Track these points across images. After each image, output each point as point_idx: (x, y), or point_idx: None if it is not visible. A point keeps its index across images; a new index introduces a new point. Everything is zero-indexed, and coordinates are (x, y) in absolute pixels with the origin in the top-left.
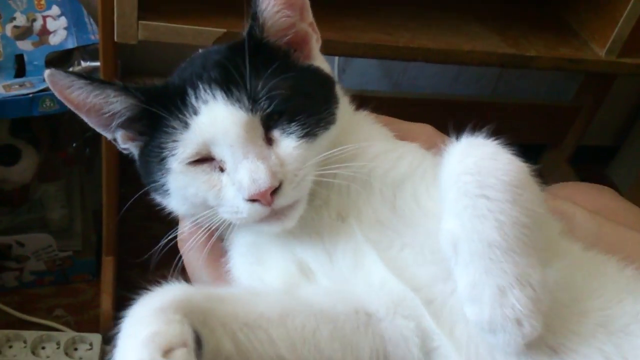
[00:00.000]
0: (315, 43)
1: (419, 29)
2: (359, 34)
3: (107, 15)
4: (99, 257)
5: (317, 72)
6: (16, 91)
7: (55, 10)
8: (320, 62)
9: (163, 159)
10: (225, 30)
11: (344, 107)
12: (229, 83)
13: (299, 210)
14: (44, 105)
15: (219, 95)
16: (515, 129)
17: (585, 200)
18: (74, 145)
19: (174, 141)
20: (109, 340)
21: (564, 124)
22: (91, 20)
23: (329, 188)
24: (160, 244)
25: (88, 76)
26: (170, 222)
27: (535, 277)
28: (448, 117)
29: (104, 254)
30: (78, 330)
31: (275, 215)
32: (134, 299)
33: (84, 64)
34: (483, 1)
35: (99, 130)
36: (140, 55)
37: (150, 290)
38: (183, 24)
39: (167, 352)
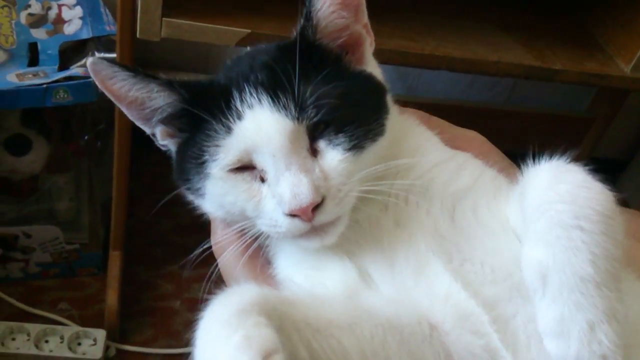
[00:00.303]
0: (369, 47)
1: (445, 37)
2: (384, 39)
3: (126, 8)
4: (105, 251)
5: (368, 79)
6: (30, 80)
7: None
8: (373, 67)
9: (203, 162)
10: (249, 30)
11: (394, 116)
12: (277, 88)
13: (340, 227)
14: (58, 97)
15: (265, 100)
16: (528, 138)
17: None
18: (86, 137)
19: (216, 146)
20: (113, 336)
21: (577, 135)
22: (107, 10)
23: (373, 205)
24: (194, 254)
25: (132, 68)
26: (178, 218)
27: (622, 312)
28: (461, 123)
29: (111, 249)
30: (82, 325)
31: (315, 231)
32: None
33: (98, 54)
34: (509, 12)
35: (138, 123)
36: (154, 48)
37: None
38: (207, 23)
39: (265, 357)
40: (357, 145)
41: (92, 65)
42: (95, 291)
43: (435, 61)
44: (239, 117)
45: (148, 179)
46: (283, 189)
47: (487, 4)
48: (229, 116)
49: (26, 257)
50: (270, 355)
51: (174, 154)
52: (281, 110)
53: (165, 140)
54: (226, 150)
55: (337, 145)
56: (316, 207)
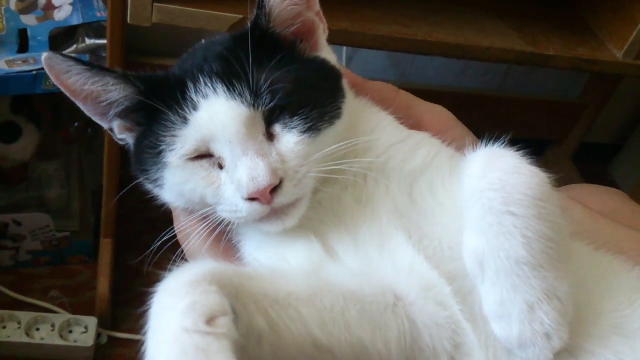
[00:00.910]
0: (323, 33)
1: (438, 23)
2: (378, 25)
3: None
4: (96, 239)
5: (323, 64)
6: (19, 67)
7: None
8: (327, 53)
9: (160, 152)
10: (241, 16)
11: (351, 101)
12: (231, 76)
13: (301, 209)
14: (48, 83)
15: (220, 89)
16: (521, 124)
17: (594, 202)
18: (76, 125)
19: (173, 136)
20: (104, 324)
21: (569, 121)
22: None
23: (334, 185)
24: (153, 247)
25: (87, 62)
26: (167, 206)
27: (562, 290)
28: (454, 109)
29: (102, 236)
30: (73, 313)
31: (276, 214)
32: (130, 283)
33: (88, 41)
34: None
35: (95, 119)
36: (145, 34)
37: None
38: (198, 9)
39: (210, 320)
40: (312, 127)
41: (46, 60)
42: (86, 279)
43: (428, 47)
44: (195, 107)
45: None
46: (241, 174)
47: None
48: (185, 107)
49: (16, 245)
50: (215, 317)
51: (132, 147)
52: (237, 98)
53: (123, 135)
54: (183, 140)
55: (293, 128)
56: (275, 190)
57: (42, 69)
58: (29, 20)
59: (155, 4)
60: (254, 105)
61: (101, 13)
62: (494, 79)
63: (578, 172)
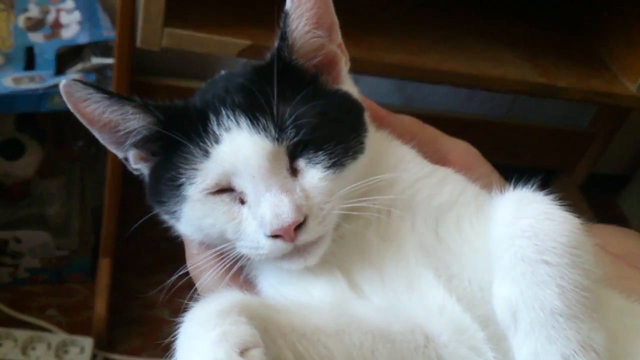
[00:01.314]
0: (344, 66)
1: (448, 52)
2: (388, 54)
3: (125, 15)
4: (95, 258)
5: (345, 98)
6: (26, 85)
7: (69, 3)
8: (349, 86)
9: (179, 185)
10: (250, 42)
11: (372, 134)
12: (255, 109)
13: (324, 246)
14: (53, 102)
15: (244, 122)
16: (528, 152)
17: (612, 244)
18: (80, 143)
19: (194, 169)
20: (100, 345)
21: (577, 150)
22: (105, 16)
23: (357, 221)
24: (169, 281)
25: (106, 90)
26: (167, 227)
27: (598, 341)
28: (460, 135)
29: (100, 256)
30: (70, 332)
31: (298, 251)
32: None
33: (95, 60)
34: (514, 28)
35: (110, 148)
36: (151, 54)
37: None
38: (208, 34)
39: (242, 352)
40: (337, 162)
41: (65, 87)
42: (83, 298)
43: (437, 76)
44: (217, 141)
45: (139, 186)
46: (264, 210)
47: (492, 20)
48: (206, 140)
49: (15, 262)
50: (248, 349)
51: (146, 177)
52: (260, 132)
53: (138, 164)
54: (204, 174)
55: (317, 163)
56: (298, 227)
57: (49, 87)
58: (36, 37)
59: (165, 28)
60: (278, 140)
61: (108, 32)
62: (501, 105)
63: (586, 202)
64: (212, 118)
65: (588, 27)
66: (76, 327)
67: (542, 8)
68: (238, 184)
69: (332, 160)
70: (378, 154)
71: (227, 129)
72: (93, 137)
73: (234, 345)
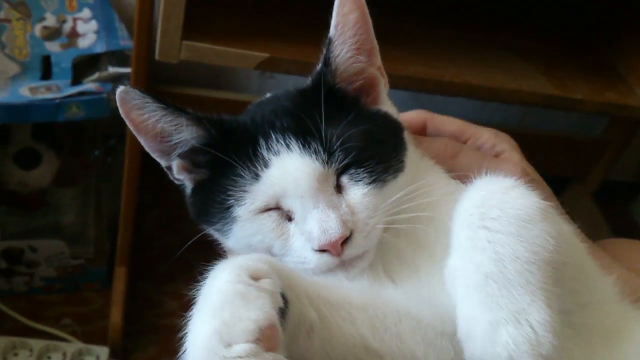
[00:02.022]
0: (384, 87)
1: (464, 65)
2: (404, 66)
3: (143, 26)
4: (110, 266)
5: (386, 118)
6: (42, 95)
7: (86, 12)
8: (388, 106)
9: (229, 207)
10: (268, 55)
11: (412, 154)
12: (304, 133)
13: (367, 260)
14: (70, 112)
15: (294, 145)
16: (541, 160)
17: (625, 256)
18: (96, 153)
19: (243, 191)
20: (116, 354)
21: (590, 159)
22: (122, 25)
23: (397, 235)
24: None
25: (162, 100)
26: (183, 234)
27: (536, 317)
28: None
29: (116, 265)
30: (85, 341)
31: (343, 265)
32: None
33: (111, 69)
34: (530, 40)
35: (154, 155)
36: (165, 64)
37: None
38: (226, 47)
39: (254, 278)
40: (378, 179)
41: (121, 93)
42: (99, 307)
43: (454, 88)
44: (266, 165)
45: (155, 194)
46: (312, 226)
47: (507, 33)
48: (256, 164)
49: (31, 271)
50: (260, 278)
51: (189, 191)
52: (312, 155)
53: (181, 175)
54: (253, 196)
55: (359, 180)
56: (345, 242)
57: (65, 97)
58: (52, 47)
59: (184, 41)
60: (327, 163)
61: (125, 41)
62: (514, 114)
63: (599, 210)
64: (262, 142)
65: (603, 39)
66: (92, 336)
67: (557, 21)
68: (286, 204)
69: (373, 177)
70: (418, 174)
71: (276, 153)
72: (109, 146)
73: (245, 270)
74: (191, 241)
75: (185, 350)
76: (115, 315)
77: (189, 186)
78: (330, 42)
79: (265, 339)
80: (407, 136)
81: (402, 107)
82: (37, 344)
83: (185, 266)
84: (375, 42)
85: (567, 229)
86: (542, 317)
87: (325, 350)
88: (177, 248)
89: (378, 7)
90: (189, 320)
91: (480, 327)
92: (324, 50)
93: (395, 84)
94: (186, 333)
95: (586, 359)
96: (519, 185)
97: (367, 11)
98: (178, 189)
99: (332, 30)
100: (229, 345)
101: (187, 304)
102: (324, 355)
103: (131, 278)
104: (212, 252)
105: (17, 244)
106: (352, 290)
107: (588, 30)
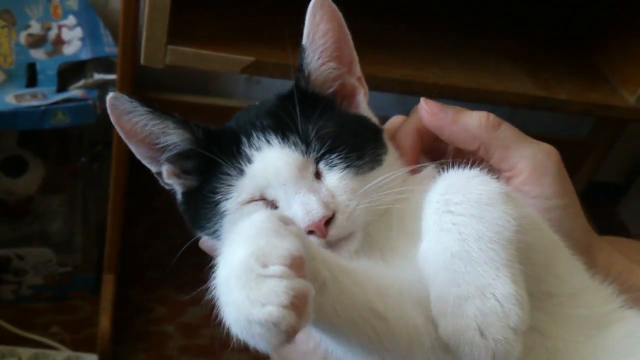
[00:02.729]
0: (363, 97)
1: (450, 67)
2: (388, 68)
3: (127, 32)
4: (98, 274)
5: (362, 118)
6: (28, 102)
7: (71, 20)
8: (368, 114)
9: (217, 203)
10: (254, 58)
11: (392, 157)
12: (283, 128)
13: (355, 242)
14: (56, 119)
15: (274, 140)
16: None
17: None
18: (83, 159)
19: (229, 185)
20: None
21: (576, 160)
22: (107, 32)
23: (388, 216)
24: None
25: (149, 104)
26: (171, 241)
27: (501, 291)
28: None
29: (104, 272)
30: (74, 349)
31: (330, 247)
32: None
33: (97, 76)
34: (514, 42)
35: (144, 161)
36: (154, 70)
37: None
38: (211, 51)
39: (285, 222)
40: (352, 165)
41: (112, 99)
42: (87, 315)
43: (439, 90)
44: (249, 160)
45: (143, 200)
46: (295, 209)
47: (492, 34)
48: (240, 160)
49: (18, 280)
50: (288, 222)
51: (179, 196)
52: (291, 147)
53: (170, 180)
54: (239, 189)
55: (334, 166)
56: (328, 223)
57: (51, 104)
58: (38, 54)
59: (169, 46)
60: (306, 153)
61: (110, 48)
62: (500, 115)
63: (586, 210)
64: (244, 140)
65: (587, 40)
66: (81, 344)
67: (541, 22)
68: (270, 194)
69: (348, 163)
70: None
71: (258, 149)
72: (95, 153)
73: (277, 214)
74: (182, 249)
75: (218, 274)
76: (104, 322)
77: (179, 191)
78: (303, 50)
79: (296, 267)
80: (388, 141)
81: (388, 110)
82: (25, 352)
83: (174, 273)
84: (354, 53)
85: (533, 214)
86: (506, 291)
87: (335, 308)
88: (165, 255)
89: (362, 11)
90: (222, 253)
91: (450, 302)
92: (299, 57)
93: (381, 86)
94: (218, 265)
95: (566, 347)
96: (481, 175)
97: (343, 23)
98: (167, 196)
99: (304, 39)
100: (265, 265)
101: (176, 310)
102: (334, 314)
103: (120, 285)
104: (201, 259)
105: (4, 252)
106: (357, 264)
107: (571, 32)
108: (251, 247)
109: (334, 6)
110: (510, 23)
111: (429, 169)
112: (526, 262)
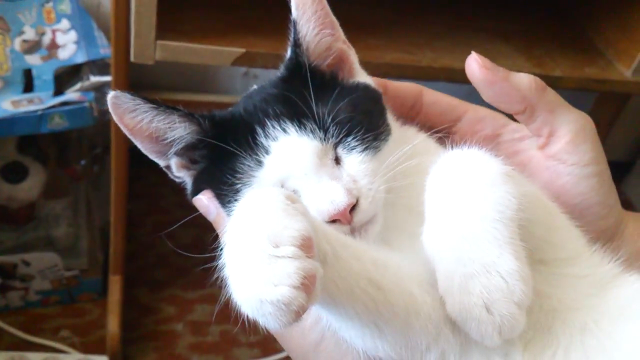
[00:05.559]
0: (355, 58)
1: (443, 49)
2: (383, 53)
3: (119, 31)
4: (105, 276)
5: (366, 89)
6: (25, 107)
7: (65, 24)
8: (364, 76)
9: (237, 190)
10: (244, 50)
11: (397, 127)
12: (298, 115)
13: (378, 224)
14: (53, 122)
15: (291, 129)
16: None
17: None
18: (83, 162)
19: (250, 176)
20: None
21: None
22: (101, 34)
23: (405, 193)
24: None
25: (152, 100)
26: (178, 239)
27: (505, 268)
28: None
29: (110, 273)
30: (84, 352)
31: (355, 232)
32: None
33: (93, 78)
34: (507, 20)
35: (151, 157)
36: (150, 70)
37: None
38: (201, 44)
39: (292, 200)
40: (370, 146)
41: (112, 98)
42: (96, 317)
43: (433, 73)
44: (267, 151)
45: (147, 200)
46: (319, 199)
47: (484, 14)
48: (257, 152)
49: (25, 285)
50: (294, 200)
51: (190, 186)
52: (309, 135)
53: (180, 172)
54: (259, 181)
55: (353, 149)
56: (352, 209)
57: (48, 108)
58: (33, 59)
59: (158, 41)
60: (324, 139)
61: (105, 50)
62: None
63: None
64: (259, 130)
65: (580, 15)
66: (90, 347)
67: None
68: (291, 185)
69: (366, 145)
70: (400, 137)
71: (275, 139)
72: (95, 155)
73: (283, 193)
74: (180, 252)
75: (227, 252)
76: (113, 324)
77: (189, 182)
78: (295, 23)
79: (306, 247)
80: (384, 100)
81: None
82: (36, 357)
83: (180, 272)
84: (333, 16)
85: (533, 190)
86: (510, 268)
87: (334, 281)
88: (171, 255)
89: None
90: (228, 231)
91: (456, 281)
92: (292, 33)
93: (373, 71)
94: (226, 242)
95: (561, 306)
96: (482, 155)
97: None
98: (171, 196)
99: (293, 12)
100: (276, 245)
101: (184, 309)
102: (333, 286)
103: (127, 286)
104: (207, 257)
105: (9, 259)
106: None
107: (565, 7)
108: (263, 226)
109: None
110: (502, 2)
111: (422, 136)
112: (527, 237)
